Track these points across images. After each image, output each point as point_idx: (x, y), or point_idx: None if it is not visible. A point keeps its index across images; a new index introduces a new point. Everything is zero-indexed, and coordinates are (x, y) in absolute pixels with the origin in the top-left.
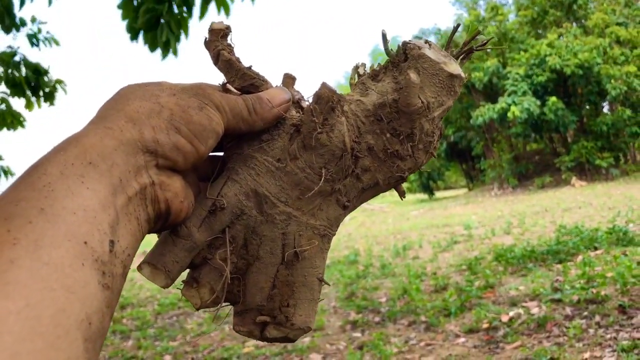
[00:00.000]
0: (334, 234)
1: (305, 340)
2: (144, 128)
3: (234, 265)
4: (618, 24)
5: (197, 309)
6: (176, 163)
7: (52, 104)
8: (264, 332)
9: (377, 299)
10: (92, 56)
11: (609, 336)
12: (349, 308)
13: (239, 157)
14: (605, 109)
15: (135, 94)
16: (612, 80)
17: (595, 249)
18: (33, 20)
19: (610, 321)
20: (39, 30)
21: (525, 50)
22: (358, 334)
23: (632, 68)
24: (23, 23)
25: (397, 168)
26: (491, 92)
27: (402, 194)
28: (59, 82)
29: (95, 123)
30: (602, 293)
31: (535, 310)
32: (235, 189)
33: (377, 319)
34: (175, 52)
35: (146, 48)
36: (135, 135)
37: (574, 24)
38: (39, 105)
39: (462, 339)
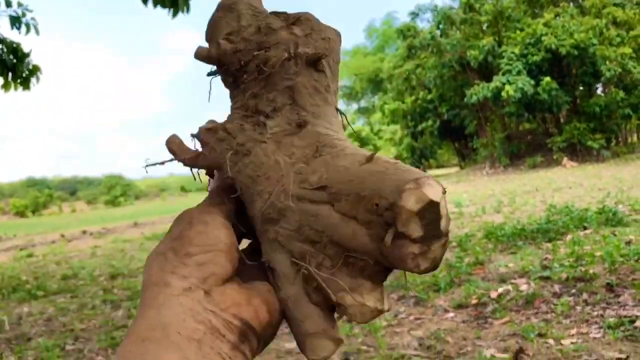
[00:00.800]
0: None
1: None
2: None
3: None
4: (615, 4)
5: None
6: (213, 274)
7: (27, 88)
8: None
9: None
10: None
11: (595, 313)
12: None
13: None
14: (599, 91)
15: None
16: (607, 62)
17: (585, 228)
18: (19, 4)
19: (598, 299)
20: (23, 14)
21: (522, 30)
22: None
23: (627, 50)
24: (9, 4)
25: None
26: (486, 71)
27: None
28: (37, 69)
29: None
30: (590, 271)
31: (524, 287)
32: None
33: None
34: (187, 8)
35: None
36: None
37: (571, 3)
38: (15, 88)
39: (451, 314)
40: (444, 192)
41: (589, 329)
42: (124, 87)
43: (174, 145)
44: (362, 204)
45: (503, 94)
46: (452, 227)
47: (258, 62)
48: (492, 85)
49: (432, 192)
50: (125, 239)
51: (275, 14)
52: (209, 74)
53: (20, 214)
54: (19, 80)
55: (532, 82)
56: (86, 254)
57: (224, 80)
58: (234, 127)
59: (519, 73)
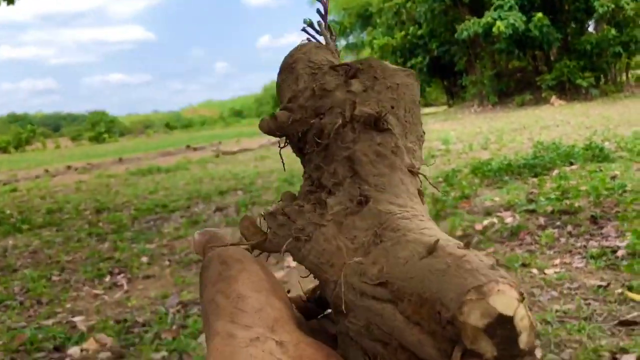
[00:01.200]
0: None
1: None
2: None
3: None
4: None
5: None
6: None
7: (11, 2)
8: None
9: None
10: None
11: (579, 244)
12: None
13: None
14: (591, 28)
15: None
16: None
17: (571, 164)
18: None
19: (582, 231)
20: None
21: None
22: None
23: None
24: None
25: None
26: (478, 6)
27: None
28: None
29: None
30: (576, 204)
31: (509, 220)
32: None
33: None
34: None
35: None
36: None
37: None
38: None
39: None
40: (522, 299)
41: (572, 259)
42: (104, 18)
43: (246, 230)
44: (425, 309)
45: (494, 29)
46: (439, 163)
47: (314, 132)
48: (483, 20)
49: (503, 303)
50: (110, 174)
51: (335, 67)
52: (281, 149)
53: (3, 149)
54: None
55: (524, 17)
56: (71, 189)
57: (294, 151)
58: (292, 211)
59: (510, 8)
